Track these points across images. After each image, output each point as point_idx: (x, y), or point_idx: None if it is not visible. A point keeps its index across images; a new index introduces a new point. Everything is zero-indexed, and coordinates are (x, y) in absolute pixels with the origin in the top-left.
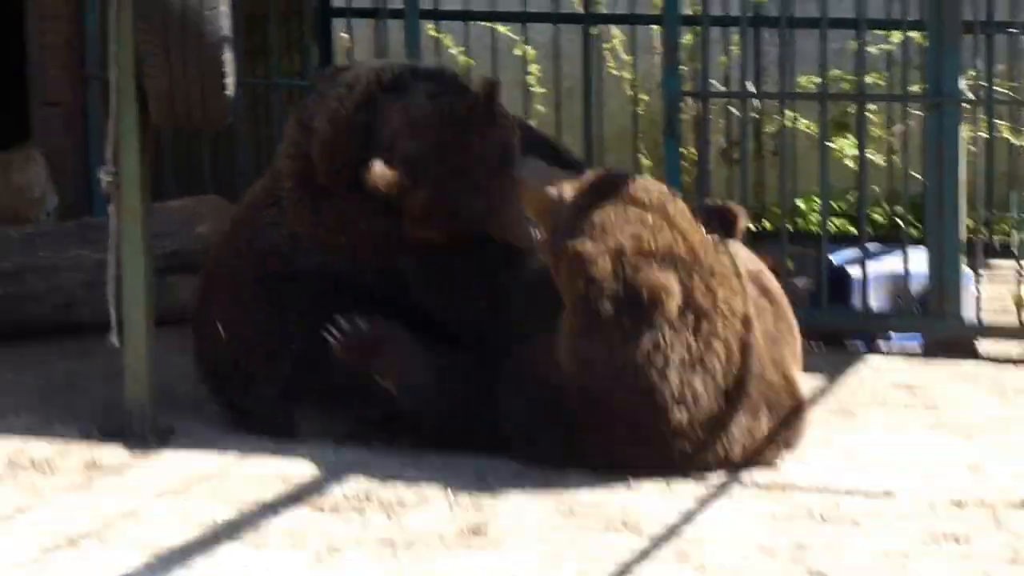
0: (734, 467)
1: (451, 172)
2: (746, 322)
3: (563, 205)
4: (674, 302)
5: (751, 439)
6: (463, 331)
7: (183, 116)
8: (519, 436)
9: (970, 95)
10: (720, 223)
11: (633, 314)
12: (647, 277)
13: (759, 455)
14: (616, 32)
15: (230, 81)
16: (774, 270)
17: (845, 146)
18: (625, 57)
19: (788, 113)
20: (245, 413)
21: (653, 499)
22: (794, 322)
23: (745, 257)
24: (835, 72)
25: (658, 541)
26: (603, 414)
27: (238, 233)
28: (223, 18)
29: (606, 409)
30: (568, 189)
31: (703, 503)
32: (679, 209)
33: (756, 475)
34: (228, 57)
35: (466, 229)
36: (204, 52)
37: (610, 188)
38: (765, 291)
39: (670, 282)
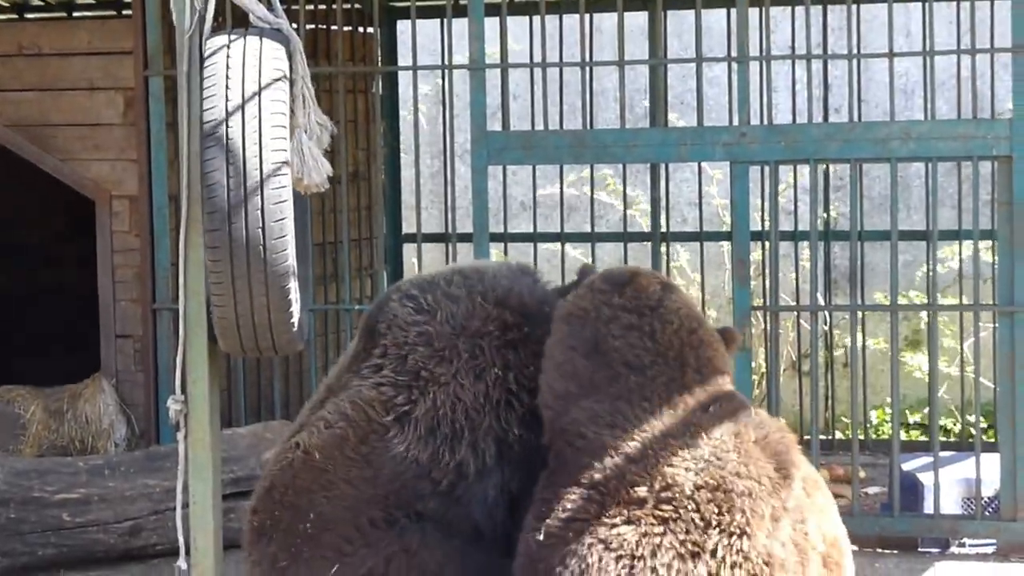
0: None
1: None
2: None
3: None
4: None
5: None
6: None
7: (250, 344)
8: None
9: None
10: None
11: None
12: None
13: None
14: (683, 251)
15: (296, 309)
16: (846, 479)
17: (918, 361)
18: (692, 275)
19: (858, 324)
20: None
21: None
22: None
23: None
24: (907, 293)
25: None
26: None
27: None
28: (289, 247)
29: None
30: None
31: None
32: None
33: None
34: (293, 287)
35: None
36: (270, 282)
37: None
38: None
39: None
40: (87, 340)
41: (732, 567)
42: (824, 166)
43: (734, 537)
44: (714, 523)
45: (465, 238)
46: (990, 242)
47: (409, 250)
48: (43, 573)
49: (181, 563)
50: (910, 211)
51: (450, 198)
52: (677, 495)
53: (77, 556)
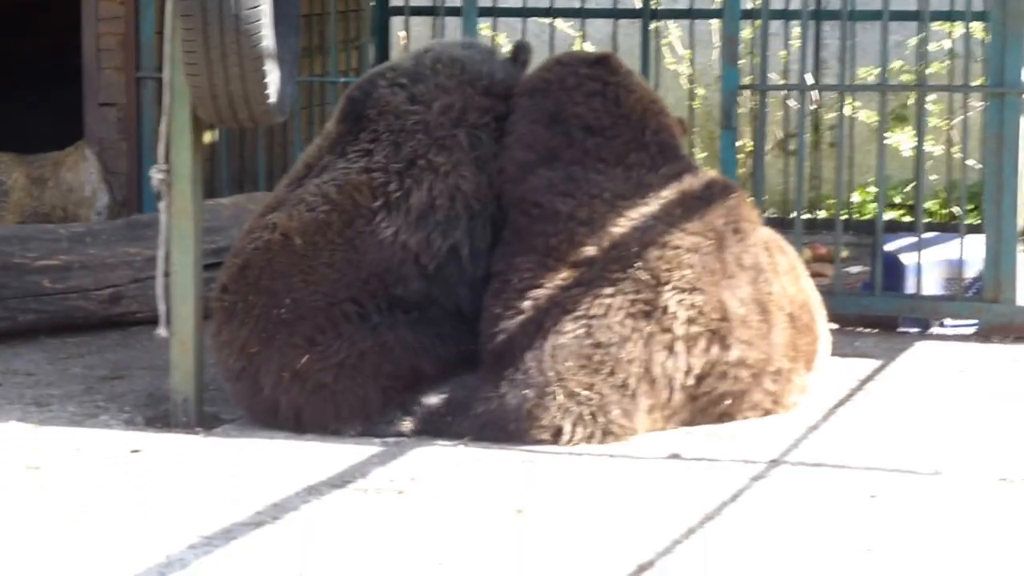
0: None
1: None
2: None
3: None
4: None
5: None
6: None
7: (226, 114)
8: None
9: None
10: None
11: None
12: None
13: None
14: (673, 27)
15: (272, 80)
16: (829, 258)
17: (903, 138)
18: (683, 52)
19: (847, 105)
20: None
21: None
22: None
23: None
24: (895, 64)
25: (710, 515)
26: None
27: None
28: (264, 16)
29: None
30: None
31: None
32: None
33: (804, 455)
34: (268, 56)
35: None
36: (244, 51)
37: None
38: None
39: None
40: (70, 108)
41: (687, 323)
42: None
43: (685, 293)
44: (663, 280)
45: (453, 12)
46: (982, 23)
47: (396, 23)
48: (23, 338)
49: (161, 331)
50: None
51: None
52: (624, 254)
53: (57, 322)
